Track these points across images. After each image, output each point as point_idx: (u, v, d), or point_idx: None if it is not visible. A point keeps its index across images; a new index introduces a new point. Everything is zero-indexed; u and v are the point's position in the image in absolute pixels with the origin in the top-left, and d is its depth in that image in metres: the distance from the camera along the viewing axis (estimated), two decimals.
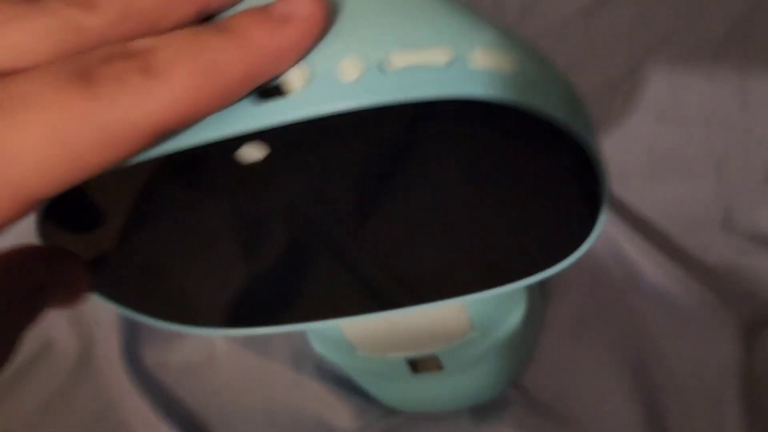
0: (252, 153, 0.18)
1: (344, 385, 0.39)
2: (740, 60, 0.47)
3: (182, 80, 0.13)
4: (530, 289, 0.34)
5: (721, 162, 0.44)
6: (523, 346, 0.37)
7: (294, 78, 0.15)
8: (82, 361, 0.42)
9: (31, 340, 0.43)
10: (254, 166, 0.18)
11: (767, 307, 0.38)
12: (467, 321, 0.32)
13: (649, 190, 0.44)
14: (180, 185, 0.20)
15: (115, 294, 0.23)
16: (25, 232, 0.18)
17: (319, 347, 0.34)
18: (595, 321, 0.40)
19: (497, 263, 0.22)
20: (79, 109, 0.13)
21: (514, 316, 0.33)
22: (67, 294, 0.19)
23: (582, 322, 0.40)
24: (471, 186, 0.20)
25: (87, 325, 0.43)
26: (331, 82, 0.15)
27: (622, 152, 0.45)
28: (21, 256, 0.18)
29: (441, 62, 0.15)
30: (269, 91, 0.16)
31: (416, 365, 0.33)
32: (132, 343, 0.42)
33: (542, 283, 0.40)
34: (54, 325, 0.43)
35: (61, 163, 0.13)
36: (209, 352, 0.41)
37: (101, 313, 0.43)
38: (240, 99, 0.15)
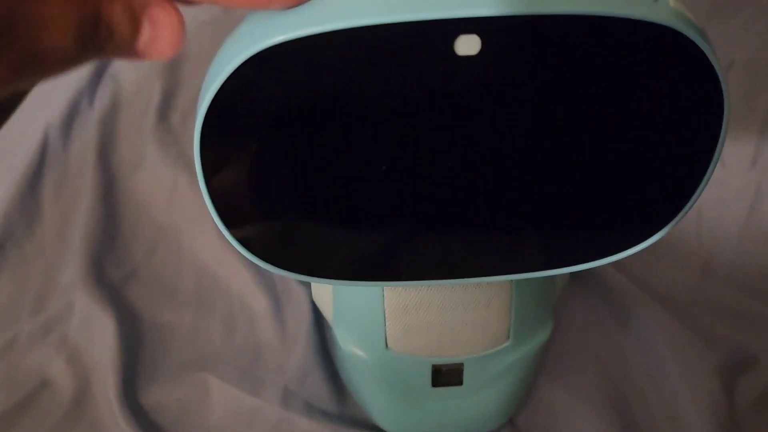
0: (470, 45, 0.20)
1: (333, 421, 0.40)
2: None
3: None
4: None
5: (701, 212, 0.46)
6: (533, 374, 0.38)
7: None
8: (78, 400, 0.42)
9: (26, 380, 0.43)
10: (467, 60, 0.20)
11: (745, 350, 0.40)
12: (505, 329, 0.33)
13: None
14: (397, 64, 0.21)
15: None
16: None
17: (347, 341, 0.35)
18: (581, 357, 0.41)
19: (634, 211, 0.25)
20: None
21: (544, 331, 0.35)
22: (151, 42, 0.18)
23: (569, 357, 0.41)
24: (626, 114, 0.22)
25: (83, 365, 0.44)
26: None
27: None
28: None
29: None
30: None
31: (439, 375, 0.34)
32: (129, 383, 0.42)
33: None
34: (50, 365, 0.44)
35: None
36: (203, 391, 0.42)
37: (98, 353, 0.43)
38: None
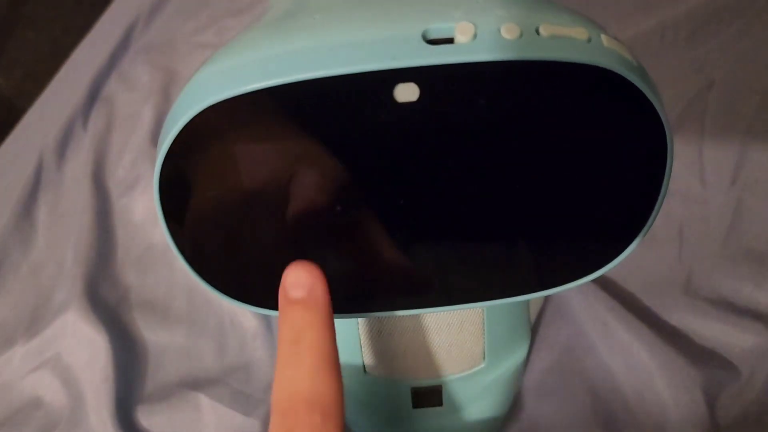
0: (408, 92, 0.21)
1: None
2: (697, 135, 0.50)
3: None
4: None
5: (682, 230, 0.47)
6: (511, 392, 0.39)
7: (462, 32, 0.20)
8: (72, 421, 0.43)
9: (20, 400, 0.44)
10: (405, 107, 0.21)
11: (728, 366, 0.41)
12: (480, 351, 0.34)
13: None
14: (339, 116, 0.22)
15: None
16: None
17: None
18: (567, 376, 0.42)
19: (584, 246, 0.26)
20: None
21: (520, 350, 0.36)
22: None
23: (554, 376, 0.42)
24: (568, 149, 0.23)
25: (77, 386, 0.44)
26: (496, 38, 0.20)
27: None
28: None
29: (582, 38, 0.21)
30: (437, 40, 0.20)
31: (418, 397, 0.35)
32: (122, 403, 0.43)
33: None
34: (44, 386, 0.45)
35: None
36: (196, 411, 0.42)
37: (92, 373, 0.44)
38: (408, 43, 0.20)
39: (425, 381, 0.34)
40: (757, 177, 0.48)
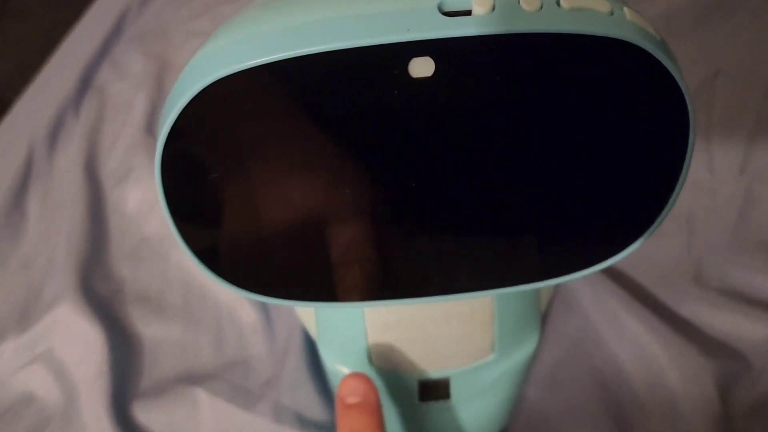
0: (423, 67, 0.20)
1: None
2: (704, 125, 0.49)
3: None
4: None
5: (691, 220, 0.46)
6: (520, 385, 0.38)
7: (480, 3, 0.19)
8: (66, 416, 0.41)
9: (12, 396, 0.43)
10: (419, 82, 0.20)
11: (740, 357, 0.40)
12: (489, 342, 0.33)
13: None
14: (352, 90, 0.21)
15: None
16: None
17: (332, 359, 0.35)
18: (576, 368, 0.41)
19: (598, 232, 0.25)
20: None
21: (530, 342, 0.35)
22: None
23: (563, 369, 0.41)
24: (584, 129, 0.22)
25: (71, 381, 0.43)
26: (515, 9, 0.19)
27: None
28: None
29: (604, 11, 0.20)
30: (454, 12, 0.19)
31: (426, 390, 0.34)
32: (118, 399, 0.42)
33: None
34: (37, 381, 0.43)
35: None
36: (193, 406, 0.41)
37: (86, 368, 0.43)
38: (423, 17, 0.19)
39: (433, 373, 0.33)
40: (765, 166, 0.47)
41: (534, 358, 0.41)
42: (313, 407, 0.41)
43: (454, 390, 0.34)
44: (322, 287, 0.26)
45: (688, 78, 0.54)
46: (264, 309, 0.46)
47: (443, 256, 0.25)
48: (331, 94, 0.21)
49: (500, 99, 0.21)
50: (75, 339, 0.44)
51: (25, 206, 0.53)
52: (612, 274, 0.43)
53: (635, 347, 0.40)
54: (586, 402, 0.39)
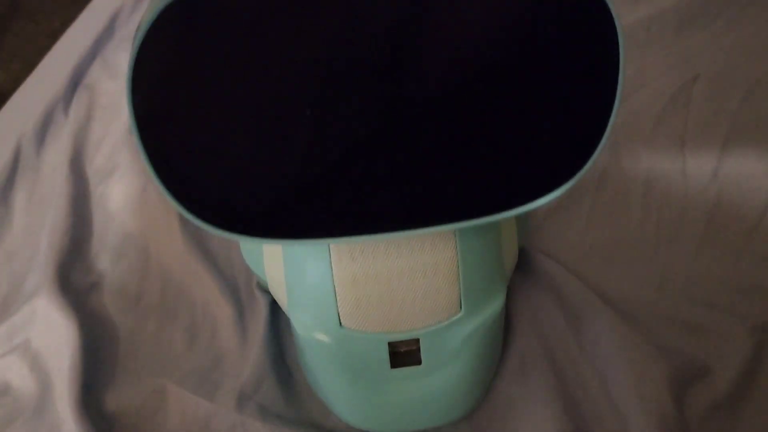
0: None
1: (287, 425, 0.40)
2: (679, 128, 0.50)
3: None
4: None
5: (659, 223, 0.46)
6: (491, 358, 0.39)
7: None
8: (39, 407, 0.42)
9: None
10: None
11: (697, 361, 0.40)
12: (456, 300, 0.34)
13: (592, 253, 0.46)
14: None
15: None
16: None
17: (304, 327, 0.35)
18: (541, 365, 0.41)
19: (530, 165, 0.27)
20: None
21: (496, 300, 0.35)
22: None
23: (530, 365, 0.41)
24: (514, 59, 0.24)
25: (45, 371, 0.44)
26: None
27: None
28: None
29: None
30: None
31: (397, 355, 0.34)
32: (88, 390, 0.43)
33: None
34: (12, 371, 0.44)
35: None
36: (161, 398, 0.42)
37: (60, 359, 0.43)
38: None
39: (402, 334, 0.34)
40: (738, 171, 0.47)
41: (504, 346, 0.42)
42: (274, 399, 0.42)
43: (425, 354, 0.34)
44: (286, 222, 0.27)
45: (666, 82, 0.54)
46: (239, 305, 0.46)
47: (402, 185, 0.27)
48: (300, 8, 0.22)
49: (447, 21, 0.23)
50: (50, 330, 0.45)
51: (11, 200, 0.54)
52: (575, 271, 0.44)
53: (593, 345, 0.41)
54: (546, 393, 0.40)
